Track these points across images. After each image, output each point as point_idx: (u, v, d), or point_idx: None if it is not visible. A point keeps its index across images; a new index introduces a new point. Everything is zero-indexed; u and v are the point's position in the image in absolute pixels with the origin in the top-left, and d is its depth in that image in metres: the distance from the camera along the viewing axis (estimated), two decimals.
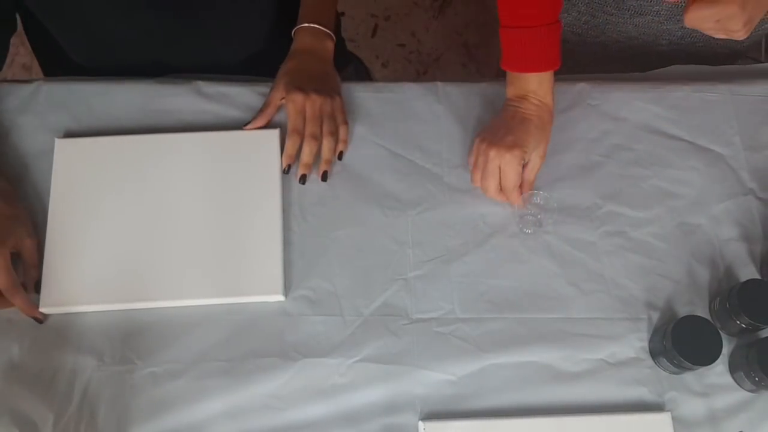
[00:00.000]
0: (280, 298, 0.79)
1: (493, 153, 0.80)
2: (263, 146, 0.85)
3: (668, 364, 0.76)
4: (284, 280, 0.79)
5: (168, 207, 0.82)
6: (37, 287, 0.78)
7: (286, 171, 0.85)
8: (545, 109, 0.82)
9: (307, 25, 0.89)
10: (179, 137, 0.85)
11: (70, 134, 0.86)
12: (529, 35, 0.79)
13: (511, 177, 0.80)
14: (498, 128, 0.82)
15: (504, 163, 0.80)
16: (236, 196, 0.83)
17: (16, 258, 0.77)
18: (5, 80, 0.90)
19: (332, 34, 0.90)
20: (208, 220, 0.81)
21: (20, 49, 1.82)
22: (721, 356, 0.74)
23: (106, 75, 0.90)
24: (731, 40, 0.71)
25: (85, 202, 0.82)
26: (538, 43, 0.79)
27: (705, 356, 0.74)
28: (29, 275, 0.78)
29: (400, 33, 1.89)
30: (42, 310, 0.77)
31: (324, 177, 0.85)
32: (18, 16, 0.90)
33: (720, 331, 0.75)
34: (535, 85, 0.82)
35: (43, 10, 0.86)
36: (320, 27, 0.89)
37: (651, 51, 1.00)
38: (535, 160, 0.83)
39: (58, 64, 0.98)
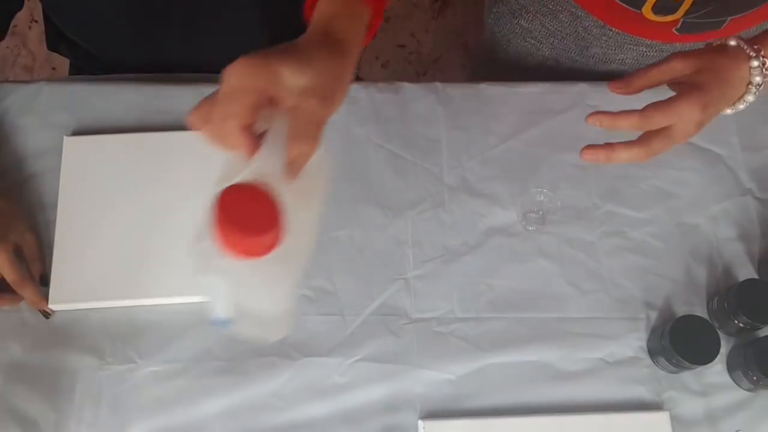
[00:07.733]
0: None
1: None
2: None
3: (666, 363, 0.76)
4: None
5: (177, 204, 0.82)
6: (42, 281, 0.78)
7: None
8: None
9: None
10: (189, 135, 0.85)
11: (71, 134, 0.86)
12: None
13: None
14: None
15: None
16: None
17: (18, 253, 0.77)
18: (7, 81, 0.90)
19: None
20: None
21: (22, 51, 1.82)
22: (719, 355, 0.74)
23: (104, 74, 0.90)
24: None
25: (94, 199, 0.82)
26: None
27: (703, 355, 0.74)
28: (33, 269, 0.78)
29: (400, 34, 1.89)
30: (51, 306, 0.77)
31: None
32: None
33: (718, 331, 0.75)
34: None
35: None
36: None
37: None
38: None
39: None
